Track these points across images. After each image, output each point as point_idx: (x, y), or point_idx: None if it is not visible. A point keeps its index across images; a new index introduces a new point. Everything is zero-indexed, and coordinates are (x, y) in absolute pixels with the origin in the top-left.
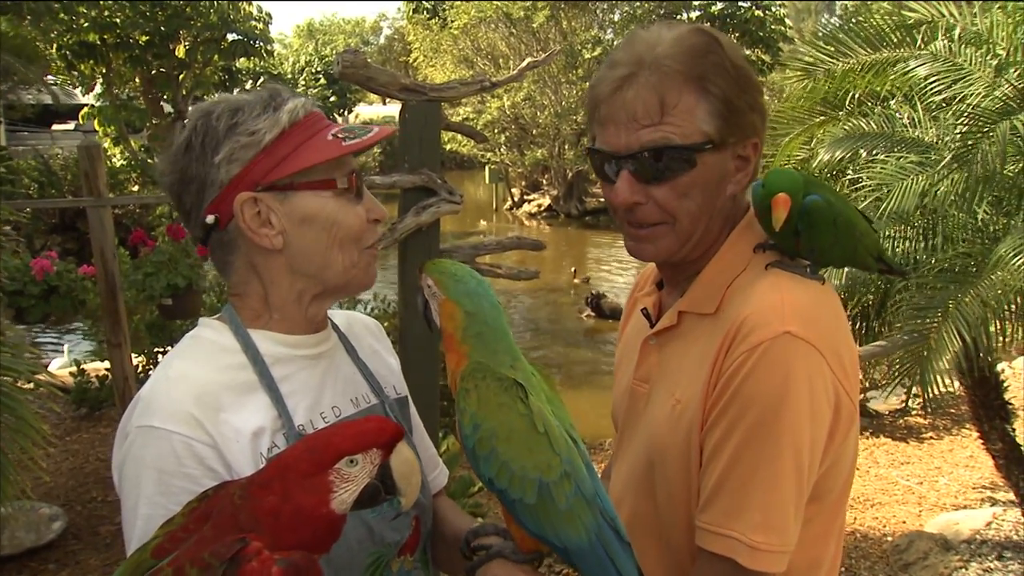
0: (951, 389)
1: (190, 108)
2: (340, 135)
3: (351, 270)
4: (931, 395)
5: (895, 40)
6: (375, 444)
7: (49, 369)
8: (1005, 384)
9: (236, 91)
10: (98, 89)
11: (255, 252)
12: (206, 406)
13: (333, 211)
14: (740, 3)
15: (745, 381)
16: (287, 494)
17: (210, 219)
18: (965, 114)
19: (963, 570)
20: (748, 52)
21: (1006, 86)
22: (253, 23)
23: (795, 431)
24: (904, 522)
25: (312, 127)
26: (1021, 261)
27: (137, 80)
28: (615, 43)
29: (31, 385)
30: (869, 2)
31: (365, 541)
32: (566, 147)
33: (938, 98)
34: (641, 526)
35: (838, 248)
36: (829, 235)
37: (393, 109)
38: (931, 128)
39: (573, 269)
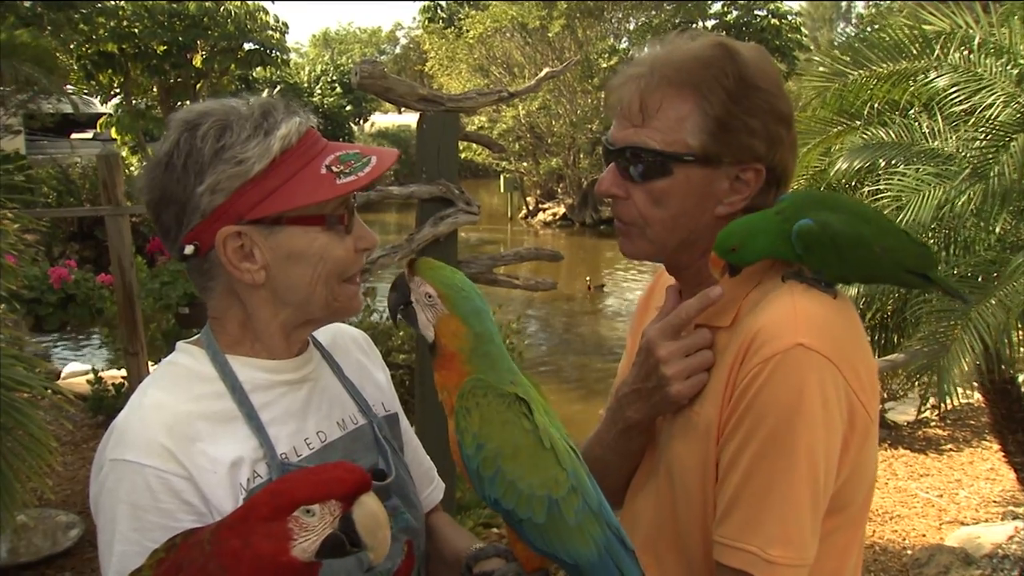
0: (970, 400)
1: (171, 116)
2: (335, 168)
3: (333, 303)
4: (949, 406)
5: (914, 51)
6: (332, 496)
7: (63, 374)
8: None
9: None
10: (116, 99)
11: (236, 282)
12: (179, 436)
13: (321, 247)
14: (756, 12)
15: (759, 393)
16: (247, 538)
17: (189, 249)
18: (984, 126)
19: None
20: None
21: None
22: (270, 33)
23: (810, 443)
24: (924, 535)
25: (305, 154)
26: None
27: (155, 89)
28: (631, 52)
29: (44, 399)
30: (885, 3)
31: (354, 570)
32: (581, 156)
33: (958, 108)
34: (662, 540)
35: (849, 266)
36: (831, 256)
37: (408, 118)
38: (951, 139)
39: (587, 278)
